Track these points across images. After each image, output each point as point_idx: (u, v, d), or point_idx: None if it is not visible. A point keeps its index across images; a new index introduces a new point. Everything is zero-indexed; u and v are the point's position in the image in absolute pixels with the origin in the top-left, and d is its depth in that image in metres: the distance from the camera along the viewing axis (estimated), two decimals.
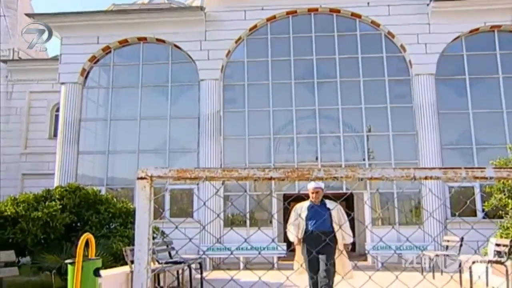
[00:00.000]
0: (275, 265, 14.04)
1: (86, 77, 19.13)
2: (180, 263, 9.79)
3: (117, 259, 9.82)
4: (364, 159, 17.56)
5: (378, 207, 17.72)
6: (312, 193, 7.76)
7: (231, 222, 17.53)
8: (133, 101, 18.54)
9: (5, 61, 22.23)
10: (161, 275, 8.84)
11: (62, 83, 18.86)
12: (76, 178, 17.24)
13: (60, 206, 10.42)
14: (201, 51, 18.47)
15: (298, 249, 7.80)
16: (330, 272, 7.28)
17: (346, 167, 2.03)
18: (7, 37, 22.98)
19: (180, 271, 9.73)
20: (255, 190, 17.53)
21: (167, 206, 17.23)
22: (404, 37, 17.83)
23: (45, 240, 10.35)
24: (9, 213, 10.13)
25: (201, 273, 10.84)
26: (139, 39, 19.08)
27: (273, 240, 15.26)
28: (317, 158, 17.55)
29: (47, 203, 10.41)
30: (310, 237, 7.53)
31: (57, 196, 10.77)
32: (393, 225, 16.61)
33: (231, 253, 12.35)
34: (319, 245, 7.09)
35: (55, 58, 21.31)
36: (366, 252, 16.30)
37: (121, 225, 11.01)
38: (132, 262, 8.44)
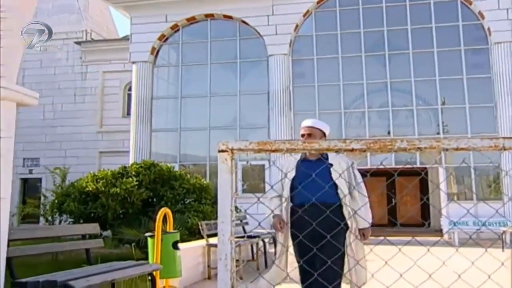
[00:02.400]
0: None
1: (156, 56, 19.45)
2: (254, 237, 9.87)
3: (192, 233, 10.01)
4: (438, 133, 17.01)
5: (453, 182, 17.16)
6: (303, 135, 4.54)
7: None
8: (202, 78, 18.72)
9: (78, 43, 22.93)
10: (237, 249, 8.94)
11: (133, 62, 19.30)
12: (150, 155, 17.68)
13: (137, 182, 10.71)
14: (269, 26, 18.33)
15: (281, 237, 4.63)
16: (334, 277, 4.09)
17: (430, 138, 1.88)
18: (80, 19, 23.65)
19: (255, 245, 9.81)
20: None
21: (239, 182, 17.37)
22: (482, 3, 16.94)
23: (123, 214, 10.70)
24: (90, 189, 10.56)
25: (275, 247, 10.89)
26: (207, 16, 19.16)
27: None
28: (389, 133, 17.17)
29: (124, 179, 10.71)
30: (300, 216, 4.14)
31: (133, 173, 11.07)
32: (471, 200, 16.04)
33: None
34: (315, 229, 3.80)
35: (125, 38, 21.79)
36: (442, 228, 15.86)
37: (195, 201, 11.19)
38: (208, 236, 8.59)
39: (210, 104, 18.40)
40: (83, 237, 5.89)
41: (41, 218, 13.65)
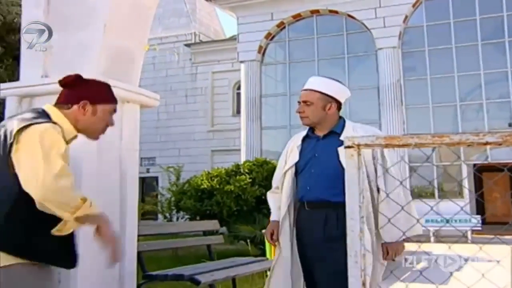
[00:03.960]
0: (469, 239, 13.23)
1: (263, 54, 19.66)
2: None
3: None
4: None
5: None
6: (299, 103, 3.34)
7: (417, 194, 16.94)
8: (310, 74, 18.11)
9: (188, 45, 23.69)
10: None
11: (241, 62, 19.63)
12: (261, 153, 17.86)
13: (250, 180, 10.96)
14: (376, 19, 17.90)
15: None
16: None
17: None
18: (189, 22, 24.46)
19: None
20: (440, 160, 16.66)
21: None
22: None
23: (238, 211, 10.93)
24: (205, 186, 10.94)
25: None
26: (312, 12, 19.06)
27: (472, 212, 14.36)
28: (510, 125, 16.20)
29: (237, 177, 11.02)
30: (299, 218, 3.18)
31: (246, 170, 11.32)
32: None
33: (417, 221, 11.91)
34: (316, 244, 3.02)
35: (232, 38, 22.23)
36: None
37: None
38: None
39: None
40: (204, 233, 6.11)
41: (159, 215, 14.29)
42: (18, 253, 2.21)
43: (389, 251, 2.97)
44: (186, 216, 11.75)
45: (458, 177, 16.80)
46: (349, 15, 18.41)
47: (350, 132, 3.05)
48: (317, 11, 19.00)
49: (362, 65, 18.36)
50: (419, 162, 16.26)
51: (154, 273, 4.65)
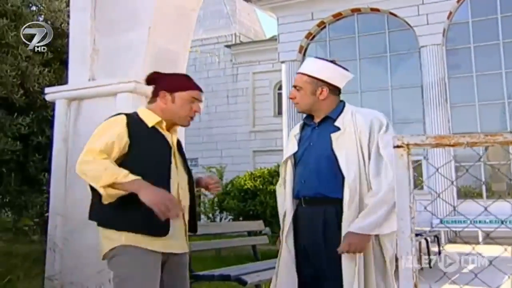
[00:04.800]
0: None
1: (304, 54, 19.58)
2: (416, 235, 9.58)
3: None
4: None
5: None
6: (293, 87, 3.02)
7: (463, 194, 16.59)
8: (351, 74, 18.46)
9: (228, 46, 23.84)
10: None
11: (282, 62, 19.60)
12: None
13: None
14: (419, 16, 17.58)
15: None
16: None
17: None
18: (229, 23, 24.62)
19: (417, 243, 9.55)
20: (488, 159, 16.25)
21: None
22: None
23: None
24: (248, 186, 11.02)
25: (439, 246, 10.59)
26: (353, 10, 18.86)
27: None
28: None
29: None
30: (300, 218, 2.86)
31: None
32: None
33: (471, 222, 11.47)
34: (309, 244, 2.80)
35: (273, 39, 22.25)
36: None
37: None
38: None
39: (361, 99, 18.09)
40: (249, 233, 6.14)
41: (202, 216, 14.44)
42: (119, 227, 2.48)
43: (351, 243, 2.53)
44: (229, 217, 11.87)
45: (507, 177, 16.38)
46: (391, 13, 18.14)
47: (348, 117, 2.80)
48: (358, 10, 18.81)
49: (405, 63, 18.06)
50: (465, 161, 15.95)
51: (200, 273, 4.71)
